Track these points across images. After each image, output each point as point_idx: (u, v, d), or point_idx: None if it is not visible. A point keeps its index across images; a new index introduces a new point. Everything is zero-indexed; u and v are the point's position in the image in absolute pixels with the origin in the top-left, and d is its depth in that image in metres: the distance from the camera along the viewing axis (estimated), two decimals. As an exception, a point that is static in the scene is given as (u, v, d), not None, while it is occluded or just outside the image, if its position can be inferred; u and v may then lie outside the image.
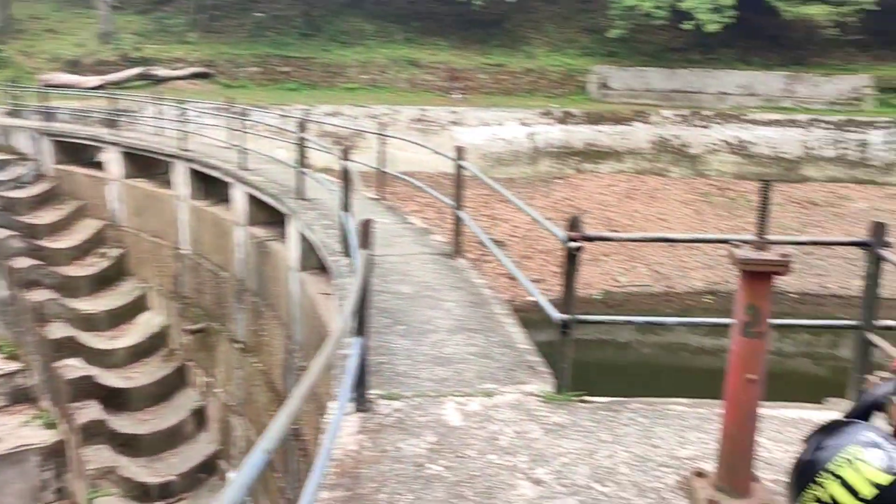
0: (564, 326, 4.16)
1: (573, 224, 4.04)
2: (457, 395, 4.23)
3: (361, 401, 3.99)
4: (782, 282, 14.91)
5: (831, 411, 3.91)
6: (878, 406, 1.74)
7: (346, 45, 23.44)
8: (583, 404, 4.14)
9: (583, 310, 15.23)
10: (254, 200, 10.47)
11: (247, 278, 10.80)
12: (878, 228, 3.83)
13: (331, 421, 3.11)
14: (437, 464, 3.46)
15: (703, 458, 3.48)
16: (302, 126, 9.97)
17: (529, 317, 7.07)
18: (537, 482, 3.32)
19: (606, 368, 13.16)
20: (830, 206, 17.61)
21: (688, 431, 3.79)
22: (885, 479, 1.54)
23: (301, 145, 9.72)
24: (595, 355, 13.63)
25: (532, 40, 23.69)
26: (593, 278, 16.95)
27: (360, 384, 3.97)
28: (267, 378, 10.20)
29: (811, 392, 5.14)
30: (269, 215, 10.14)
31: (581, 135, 19.46)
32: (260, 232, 10.35)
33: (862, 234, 3.99)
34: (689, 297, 16.55)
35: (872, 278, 3.92)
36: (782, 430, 3.79)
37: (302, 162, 9.70)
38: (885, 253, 3.78)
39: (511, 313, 5.84)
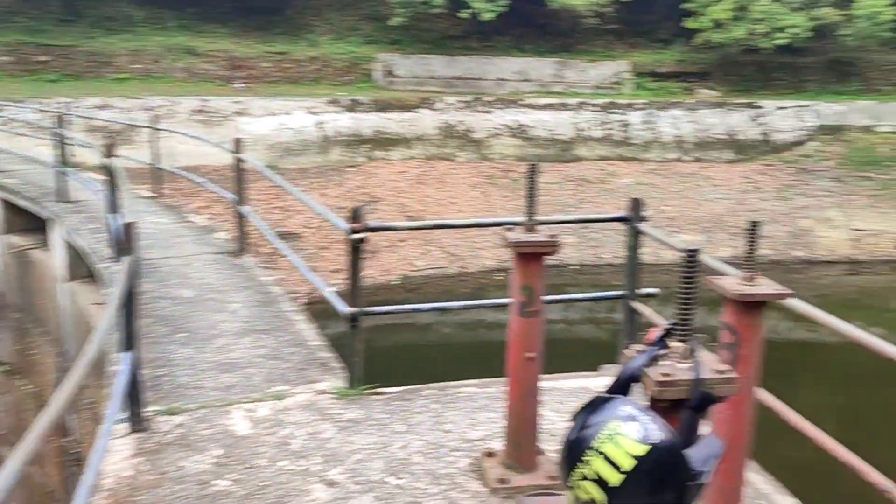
0: (353, 319, 4.08)
1: (355, 215, 3.96)
2: (245, 402, 4.01)
3: (137, 420, 3.66)
4: (564, 255, 15.93)
5: (606, 377, 4.17)
6: (636, 378, 1.82)
7: (113, 32, 21.65)
8: (376, 396, 4.10)
9: (383, 296, 15.13)
10: (8, 206, 9.35)
11: (7, 293, 9.66)
12: (635, 205, 4.12)
13: (95, 448, 2.80)
14: (225, 478, 3.25)
15: (494, 438, 3.56)
16: (60, 121, 9.04)
17: (328, 309, 6.93)
18: (331, 484, 3.22)
19: (408, 352, 13.33)
20: (601, 183, 19.05)
21: (478, 412, 3.87)
22: (641, 450, 1.61)
23: (62, 142, 8.82)
24: (396, 339, 13.77)
25: (315, 28, 23.29)
26: (391, 264, 17.09)
27: (135, 402, 3.64)
28: (39, 401, 9.20)
29: (596, 355, 5.49)
30: (28, 221, 9.11)
31: (370, 122, 19.47)
32: (19, 240, 9.27)
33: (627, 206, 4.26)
34: (481, 275, 17.20)
35: (633, 250, 4.22)
36: (564, 400, 3.98)
37: (64, 160, 8.80)
38: (641, 227, 4.08)
39: (302, 310, 5.68)
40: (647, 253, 5.01)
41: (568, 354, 9.14)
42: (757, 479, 3.27)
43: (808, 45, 17.88)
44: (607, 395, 1.77)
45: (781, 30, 16.79)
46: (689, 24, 18.17)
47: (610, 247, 17.44)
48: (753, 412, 2.62)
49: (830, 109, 17.41)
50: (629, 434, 1.63)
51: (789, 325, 13.11)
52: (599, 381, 4.15)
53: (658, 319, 4.04)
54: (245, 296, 5.79)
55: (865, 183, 16.39)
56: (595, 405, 1.75)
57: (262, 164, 6.94)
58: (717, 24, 17.62)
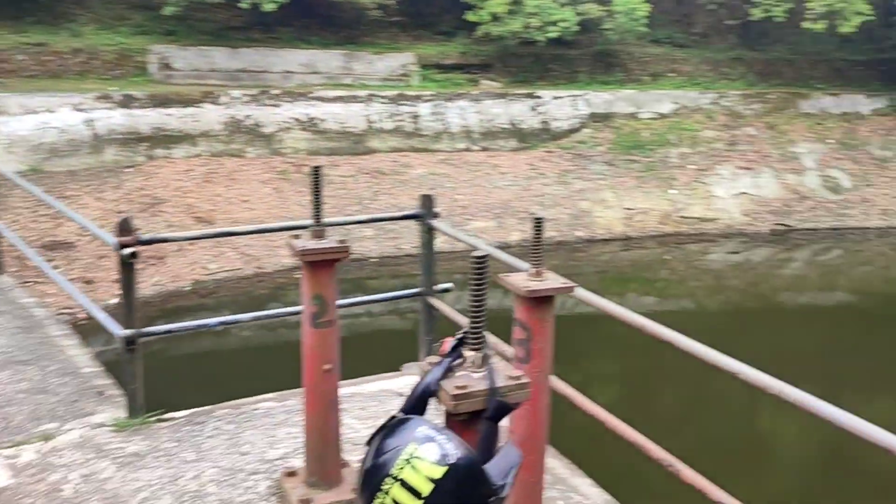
0: (129, 342, 3.70)
1: (123, 227, 3.57)
2: (4, 448, 3.51)
3: None
4: (363, 248, 15.87)
5: (407, 377, 4.13)
6: (432, 393, 1.74)
7: None
8: (162, 423, 3.75)
9: (174, 304, 14.10)
10: None
11: None
12: (427, 201, 4.10)
13: None
14: (-21, 544, 2.81)
15: (295, 455, 3.39)
16: None
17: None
18: (112, 532, 2.88)
19: (203, 363, 12.62)
20: (396, 175, 19.21)
21: (277, 429, 3.67)
22: (439, 472, 1.53)
23: None
24: (189, 350, 12.98)
25: (77, 17, 21.28)
26: (181, 269, 16.08)
27: None
28: None
29: (400, 350, 5.45)
30: None
31: (148, 119, 18.15)
32: None
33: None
34: (280, 274, 16.69)
35: (427, 247, 4.20)
36: (366, 405, 3.89)
37: None
38: (434, 223, 4.06)
39: (74, 332, 5.11)
40: (444, 241, 5.04)
41: (371, 351, 9.08)
42: (555, 464, 3.37)
43: (577, 38, 19.15)
44: (402, 416, 1.68)
45: (553, 23, 17.82)
46: (470, 16, 18.77)
47: (409, 237, 17.64)
48: (549, 402, 2.67)
49: (599, 98, 18.79)
50: (426, 457, 1.55)
51: (575, 301, 14.05)
52: (402, 382, 4.10)
53: (455, 315, 4.05)
54: (1, 322, 5.10)
55: (632, 165, 17.89)
56: (390, 428, 1.65)
57: (22, 168, 6.16)
58: (495, 18, 18.35)
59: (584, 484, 3.26)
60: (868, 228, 17.04)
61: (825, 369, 9.69)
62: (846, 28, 17.88)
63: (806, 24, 18.16)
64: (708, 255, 16.03)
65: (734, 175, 17.72)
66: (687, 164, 18.02)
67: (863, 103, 19.54)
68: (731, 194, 17.37)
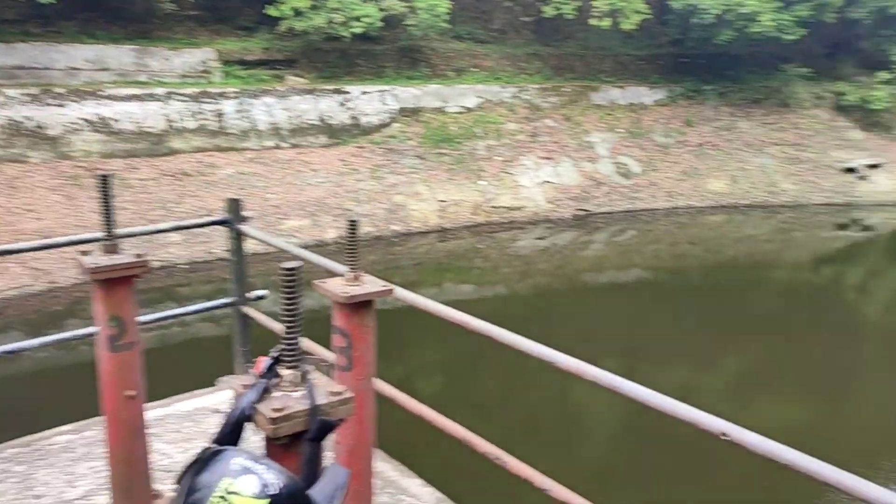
0: None
1: None
2: None
3: None
4: (171, 254, 15.00)
5: (223, 391, 3.90)
6: (248, 418, 1.62)
7: None
8: (-63, 474, 3.28)
9: (-51, 329, 12.36)
10: None
11: None
12: (234, 205, 3.88)
13: None
14: None
15: (99, 492, 3.08)
16: None
17: None
18: None
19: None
20: (202, 175, 18.29)
21: (77, 465, 3.32)
22: (260, 506, 1.42)
23: None
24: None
25: None
26: (-44, 290, 14.37)
27: None
28: None
29: (216, 359, 5.15)
30: None
31: None
32: None
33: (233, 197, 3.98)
34: (77, 288, 15.39)
35: (237, 254, 3.98)
36: (180, 427, 3.63)
37: None
38: (243, 228, 3.86)
39: None
40: (257, 243, 4.82)
41: (183, 363, 8.57)
42: (384, 468, 3.32)
43: (381, 34, 19.22)
44: (215, 448, 1.54)
45: (357, 19, 17.75)
46: (271, 11, 18.24)
47: (220, 241, 16.89)
48: (374, 408, 2.61)
49: (407, 93, 19.00)
50: (244, 490, 1.43)
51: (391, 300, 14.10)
52: (218, 398, 3.87)
53: (272, 323, 3.88)
54: None
55: (443, 158, 18.29)
56: (202, 462, 1.51)
57: None
58: (298, 13, 17.98)
59: (415, 484, 3.24)
60: (656, 210, 18.64)
61: (627, 341, 10.46)
62: (627, 25, 19.37)
63: (593, 21, 19.45)
64: (517, 242, 16.77)
65: (537, 165, 18.64)
66: (493, 155, 18.71)
67: (646, 94, 21.30)
68: (536, 183, 18.27)
